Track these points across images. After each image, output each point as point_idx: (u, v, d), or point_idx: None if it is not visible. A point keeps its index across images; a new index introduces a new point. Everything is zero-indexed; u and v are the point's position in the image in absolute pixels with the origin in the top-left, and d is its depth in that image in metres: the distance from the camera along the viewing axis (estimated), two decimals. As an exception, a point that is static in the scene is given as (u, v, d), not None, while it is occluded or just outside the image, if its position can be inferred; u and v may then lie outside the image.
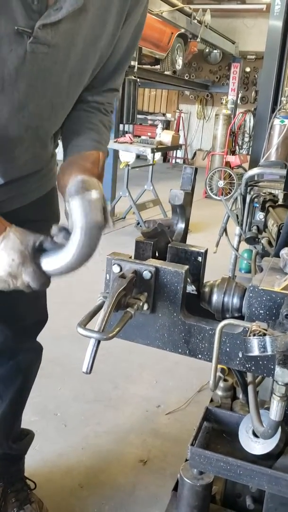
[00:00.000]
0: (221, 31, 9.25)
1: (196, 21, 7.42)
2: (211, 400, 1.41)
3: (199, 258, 1.00)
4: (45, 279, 0.91)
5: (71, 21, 0.91)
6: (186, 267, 0.90)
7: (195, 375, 2.50)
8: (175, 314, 0.90)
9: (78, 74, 1.02)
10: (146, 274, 0.89)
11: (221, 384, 1.39)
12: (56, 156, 1.30)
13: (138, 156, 5.49)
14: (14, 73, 0.90)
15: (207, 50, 11.65)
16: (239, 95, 10.79)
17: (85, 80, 1.06)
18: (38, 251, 0.90)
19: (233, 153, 8.32)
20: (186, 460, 1.14)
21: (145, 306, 0.89)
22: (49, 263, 0.90)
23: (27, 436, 1.57)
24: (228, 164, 8.01)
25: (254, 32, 11.26)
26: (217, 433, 1.11)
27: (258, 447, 0.97)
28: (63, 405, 2.18)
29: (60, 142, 1.23)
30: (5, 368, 1.45)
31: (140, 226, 5.28)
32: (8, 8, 0.84)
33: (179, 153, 12.54)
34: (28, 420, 1.60)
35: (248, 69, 11.94)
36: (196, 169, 1.12)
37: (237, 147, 8.85)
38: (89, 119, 1.14)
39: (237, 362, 0.88)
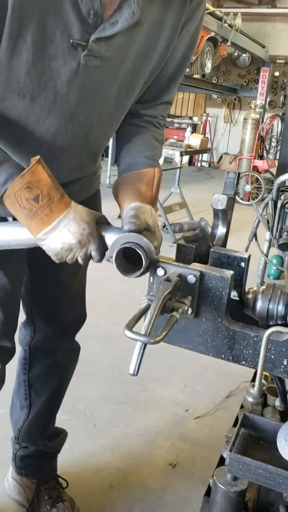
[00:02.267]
0: (251, 35, 9.19)
1: (227, 24, 7.39)
2: (241, 406, 1.40)
3: (242, 264, 1.00)
4: (105, 251, 0.95)
5: (125, 35, 0.92)
6: (232, 272, 0.90)
7: (223, 380, 2.48)
8: (219, 320, 0.90)
9: (128, 86, 1.03)
10: (191, 278, 0.89)
11: (252, 390, 1.38)
12: (100, 161, 1.31)
13: (164, 159, 5.49)
14: (66, 85, 0.92)
15: (235, 53, 11.58)
16: (268, 100, 10.71)
17: (135, 92, 1.07)
18: (99, 225, 0.95)
19: (261, 157, 8.25)
20: (218, 465, 1.14)
21: (189, 310, 0.89)
22: (110, 237, 0.94)
23: (61, 435, 1.60)
24: (255, 168, 7.95)
25: (284, 36, 11.16)
26: (254, 440, 1.10)
27: (298, 456, 0.97)
28: (92, 405, 2.20)
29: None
30: (43, 366, 1.47)
31: (166, 229, 5.28)
32: (64, 21, 0.85)
33: (205, 157, 12.50)
34: (58, 418, 1.62)
35: (277, 74, 11.83)
36: (239, 174, 1.12)
37: (265, 151, 8.77)
38: (142, 134, 1.14)
39: (281, 370, 0.88)
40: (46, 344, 1.44)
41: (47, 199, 0.87)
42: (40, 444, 1.51)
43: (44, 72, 0.89)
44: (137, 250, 0.89)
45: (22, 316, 1.45)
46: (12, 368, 1.53)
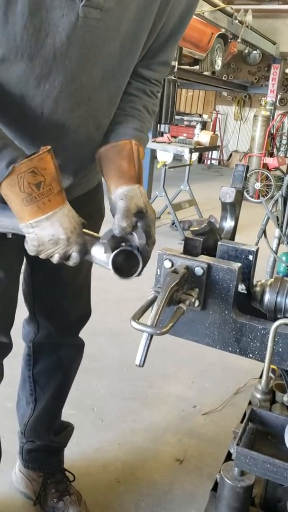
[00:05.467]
0: (262, 31, 9.11)
1: (237, 21, 7.34)
2: (249, 403, 1.39)
3: (250, 257, 0.99)
4: (85, 256, 0.95)
5: None
6: (239, 264, 0.89)
7: (231, 377, 2.48)
8: (226, 312, 0.90)
9: (130, 42, 0.98)
10: (198, 271, 0.89)
11: (260, 386, 1.37)
12: None
13: (173, 157, 5.47)
14: (66, 41, 0.88)
15: (246, 50, 11.51)
16: (278, 97, 10.63)
17: (138, 50, 1.03)
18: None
19: (271, 155, 8.20)
20: (225, 461, 1.13)
21: (196, 303, 0.89)
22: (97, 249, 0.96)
23: (67, 429, 1.60)
24: (265, 166, 7.91)
25: (296, 33, 11.07)
26: (261, 435, 1.10)
27: (306, 450, 0.96)
28: (99, 400, 2.20)
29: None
30: (47, 362, 1.47)
31: (175, 226, 5.27)
32: None
33: (215, 154, 12.45)
34: (65, 413, 1.62)
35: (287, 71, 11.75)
36: (247, 167, 1.11)
37: (275, 149, 8.72)
38: (132, 104, 1.10)
39: (289, 363, 0.87)
40: (50, 340, 1.43)
41: (48, 189, 0.86)
42: (46, 439, 1.51)
43: (42, 26, 0.85)
44: (134, 252, 0.94)
45: (25, 312, 1.45)
46: (19, 363, 1.54)
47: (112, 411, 2.14)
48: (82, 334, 1.49)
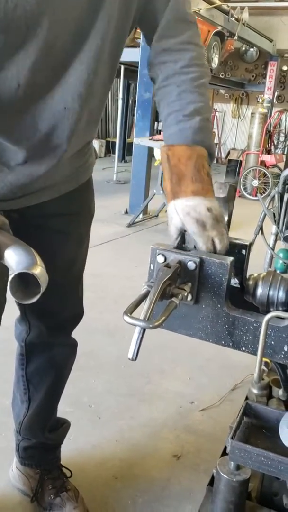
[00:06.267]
0: (258, 29, 9.11)
1: (233, 19, 7.34)
2: (246, 398, 1.39)
3: (243, 251, 0.99)
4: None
5: None
6: (231, 258, 0.90)
7: (228, 373, 2.48)
8: (219, 306, 0.90)
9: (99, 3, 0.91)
10: (191, 265, 0.89)
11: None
12: (92, 148, 1.25)
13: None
14: (36, 8, 0.83)
15: (243, 48, 11.50)
16: (275, 94, 10.63)
17: (106, 8, 0.93)
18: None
19: (268, 152, 8.20)
20: (222, 456, 1.14)
21: (189, 297, 0.89)
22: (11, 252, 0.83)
23: (63, 426, 1.60)
24: (263, 163, 7.91)
25: (292, 30, 11.06)
26: (256, 429, 1.10)
27: (299, 443, 0.96)
28: (97, 397, 2.21)
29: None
30: (40, 362, 1.46)
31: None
32: None
33: (213, 152, 12.44)
34: (63, 410, 1.63)
35: (285, 68, 11.73)
36: (240, 162, 1.12)
37: (272, 146, 8.72)
38: (169, 96, 1.01)
39: (282, 356, 0.87)
40: (42, 340, 1.42)
41: None
42: (41, 437, 1.51)
43: None
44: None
45: (17, 312, 1.44)
46: (13, 361, 1.54)
47: (110, 408, 2.14)
48: (79, 332, 1.49)
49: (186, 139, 0.98)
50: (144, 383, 2.36)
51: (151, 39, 1.07)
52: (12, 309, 1.27)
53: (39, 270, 0.81)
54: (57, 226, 1.22)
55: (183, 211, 0.94)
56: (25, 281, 0.81)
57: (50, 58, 0.90)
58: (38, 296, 0.82)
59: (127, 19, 1.01)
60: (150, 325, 0.78)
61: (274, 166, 8.06)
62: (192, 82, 1.03)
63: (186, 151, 0.95)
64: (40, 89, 0.93)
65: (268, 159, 7.95)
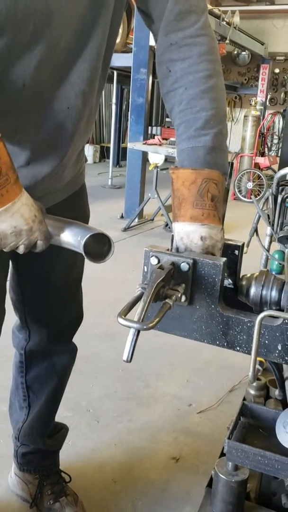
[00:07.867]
0: (250, 32, 9.17)
1: (225, 22, 7.38)
2: (244, 399, 1.40)
3: (236, 252, 1.00)
4: (50, 241, 0.93)
5: None
6: (224, 259, 0.90)
7: (225, 374, 2.49)
8: (213, 306, 0.91)
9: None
10: (184, 266, 0.90)
11: (254, 383, 1.38)
12: (84, 154, 1.26)
13: (166, 159, 5.50)
14: (45, 8, 0.84)
15: (235, 52, 11.59)
16: (268, 97, 10.69)
17: (111, 7, 0.94)
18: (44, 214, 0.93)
19: (262, 154, 8.24)
20: (220, 457, 1.14)
21: (183, 298, 0.90)
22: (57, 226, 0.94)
23: (62, 431, 1.59)
24: (257, 165, 7.94)
25: (283, 33, 11.15)
26: (253, 429, 1.11)
27: (296, 442, 0.97)
28: (95, 401, 2.21)
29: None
30: (40, 369, 1.45)
31: (169, 227, 5.28)
32: None
33: (207, 156, 12.47)
34: (61, 415, 1.63)
35: (277, 70, 11.82)
36: (232, 164, 1.12)
37: (266, 148, 8.75)
38: (179, 105, 0.97)
39: (276, 355, 0.88)
40: (42, 347, 1.41)
41: (4, 179, 0.81)
42: (40, 443, 1.51)
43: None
44: (105, 235, 0.94)
45: (13, 319, 1.44)
46: (10, 367, 1.54)
47: (108, 412, 2.14)
48: (77, 336, 1.49)
49: (198, 160, 0.95)
50: (142, 387, 2.36)
51: (158, 27, 1.01)
52: (8, 317, 1.27)
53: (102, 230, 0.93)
54: None
55: (178, 235, 0.96)
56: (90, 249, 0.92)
57: (54, 57, 0.90)
58: (111, 254, 0.95)
59: (121, 8, 1.01)
60: (144, 327, 0.78)
61: (268, 168, 8.09)
62: (202, 84, 0.97)
63: (191, 176, 0.92)
64: (44, 88, 0.93)
65: (262, 161, 7.98)
